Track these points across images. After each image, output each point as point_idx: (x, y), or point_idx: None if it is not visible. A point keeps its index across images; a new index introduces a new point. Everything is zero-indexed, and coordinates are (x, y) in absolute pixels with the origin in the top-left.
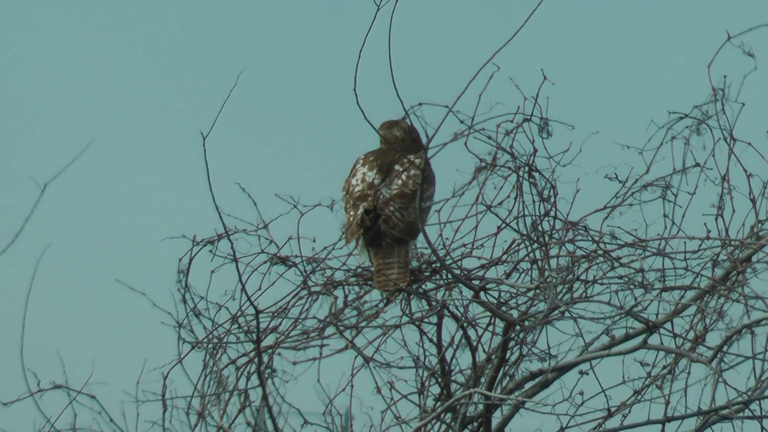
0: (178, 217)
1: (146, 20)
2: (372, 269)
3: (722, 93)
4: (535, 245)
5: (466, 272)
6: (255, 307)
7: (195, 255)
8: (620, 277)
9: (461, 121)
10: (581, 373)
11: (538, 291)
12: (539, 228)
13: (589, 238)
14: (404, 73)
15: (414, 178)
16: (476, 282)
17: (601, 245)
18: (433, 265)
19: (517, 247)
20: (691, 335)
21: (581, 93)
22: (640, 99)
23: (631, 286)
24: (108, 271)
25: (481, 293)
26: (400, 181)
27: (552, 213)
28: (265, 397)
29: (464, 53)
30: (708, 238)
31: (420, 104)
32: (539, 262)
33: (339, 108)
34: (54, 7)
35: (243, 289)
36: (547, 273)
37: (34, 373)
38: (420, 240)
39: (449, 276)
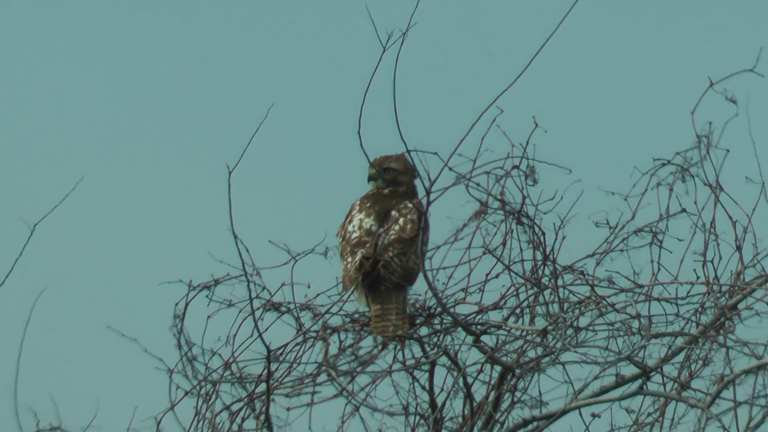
0: (171, 257)
1: (134, 62)
2: (369, 315)
3: (706, 139)
4: (535, 289)
5: (464, 317)
6: (267, 347)
7: (191, 300)
8: (611, 324)
9: (450, 169)
10: (593, 415)
11: (541, 334)
12: (538, 272)
13: (586, 282)
14: (409, 113)
15: (412, 223)
16: (476, 327)
17: (596, 290)
18: (432, 310)
19: (514, 292)
20: (683, 379)
21: (565, 139)
22: (625, 145)
23: (627, 332)
24: (102, 314)
25: (482, 338)
26: (397, 227)
27: (551, 257)
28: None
29: (470, 89)
30: (710, 283)
31: (409, 151)
32: (546, 306)
33: (332, 154)
34: (42, 41)
35: (256, 328)
36: (554, 316)
37: (34, 411)
38: (418, 285)
39: (446, 321)
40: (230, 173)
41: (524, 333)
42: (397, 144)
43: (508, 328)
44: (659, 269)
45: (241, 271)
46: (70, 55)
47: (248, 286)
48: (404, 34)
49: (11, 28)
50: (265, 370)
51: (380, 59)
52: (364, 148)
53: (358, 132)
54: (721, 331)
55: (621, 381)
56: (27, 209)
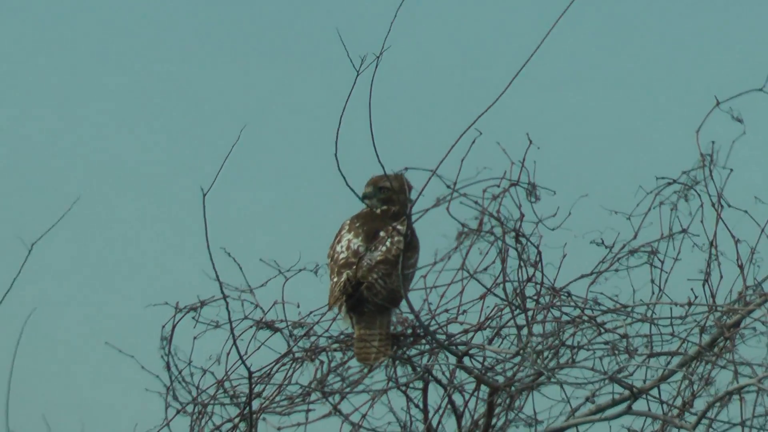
0: (163, 277)
1: (126, 85)
2: (353, 337)
3: (710, 158)
4: (518, 311)
5: (449, 338)
6: (248, 369)
7: (178, 322)
8: (605, 343)
9: (447, 186)
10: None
11: (520, 357)
12: (523, 294)
13: (572, 303)
14: (388, 137)
15: (397, 244)
16: (460, 347)
17: (586, 311)
18: (417, 331)
19: (500, 313)
20: (678, 401)
21: (570, 157)
22: (629, 164)
23: (616, 352)
24: (95, 334)
25: (466, 359)
26: (384, 248)
27: (536, 278)
28: None
29: (448, 115)
30: (691, 304)
31: (406, 168)
32: (522, 328)
33: (323, 171)
34: (38, 63)
35: (236, 348)
36: (527, 338)
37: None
38: (403, 307)
39: (433, 341)
40: (204, 196)
41: (501, 355)
42: (375, 165)
43: (486, 350)
44: (660, 292)
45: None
46: (66, 79)
47: (227, 307)
48: (378, 57)
49: (9, 49)
50: (252, 391)
51: (354, 83)
52: (341, 170)
53: (335, 154)
54: (721, 351)
55: (595, 405)
56: (24, 229)
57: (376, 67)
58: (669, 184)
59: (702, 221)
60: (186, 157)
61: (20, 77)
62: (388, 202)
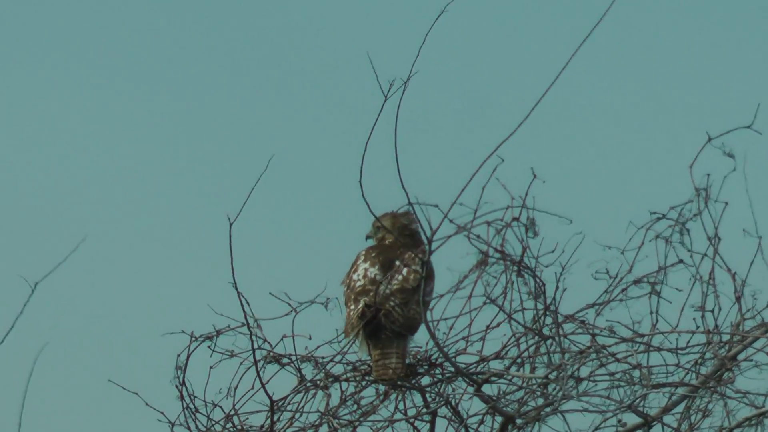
0: (170, 313)
1: (132, 117)
2: (370, 362)
3: (705, 192)
4: (537, 338)
5: (465, 366)
6: (270, 398)
7: (193, 351)
8: (611, 375)
9: (451, 221)
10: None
11: (549, 381)
12: (540, 321)
13: (588, 331)
14: (409, 164)
15: (415, 273)
16: (478, 376)
17: (597, 339)
18: (433, 360)
19: (516, 342)
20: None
21: (563, 192)
22: (623, 199)
23: (629, 382)
24: (103, 370)
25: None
26: (400, 276)
27: (552, 307)
28: None
29: (468, 144)
30: (697, 332)
31: (411, 204)
32: (549, 356)
33: (334, 205)
34: (44, 99)
35: (259, 379)
36: (557, 365)
37: None
38: (419, 335)
39: (448, 371)
40: (231, 225)
41: (526, 382)
42: (399, 193)
43: (509, 377)
44: (658, 320)
45: (243, 322)
46: (69, 112)
47: (250, 336)
48: (405, 83)
49: (13, 83)
50: (268, 420)
51: (382, 108)
52: (365, 198)
53: (360, 181)
54: (721, 383)
55: (623, 429)
56: (28, 268)
57: (403, 92)
58: (659, 219)
59: (691, 255)
60: (200, 187)
61: (24, 111)
62: (384, 241)
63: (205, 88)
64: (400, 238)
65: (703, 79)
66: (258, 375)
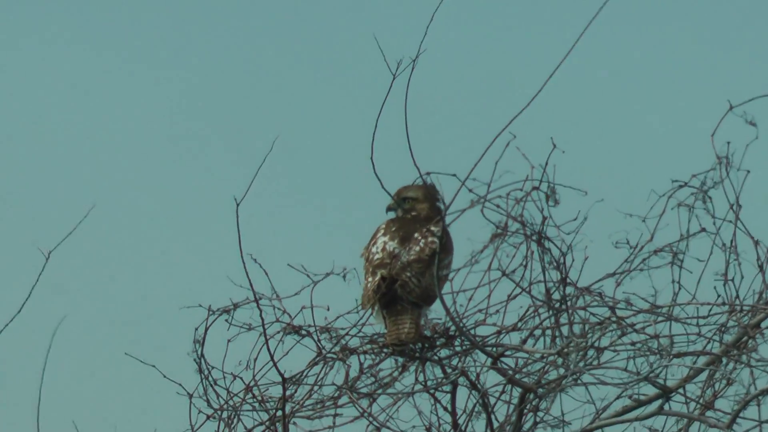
0: (188, 284)
1: (149, 87)
2: (386, 332)
3: (726, 160)
4: (551, 311)
5: (482, 339)
6: (281, 374)
7: (211, 324)
8: (632, 344)
9: (470, 190)
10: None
11: (558, 357)
12: (555, 294)
13: (604, 304)
14: (420, 141)
15: (431, 244)
16: (494, 349)
17: (616, 311)
18: (450, 333)
19: (532, 314)
20: (703, 401)
21: (586, 161)
22: (644, 168)
23: (646, 353)
24: (122, 341)
25: (498, 360)
26: (417, 248)
27: (567, 279)
28: None
29: (480, 121)
30: (723, 303)
31: (429, 173)
32: (559, 329)
33: (350, 175)
34: (56, 69)
35: (269, 354)
36: (568, 338)
37: None
38: (435, 307)
39: (466, 343)
40: (238, 205)
41: (539, 356)
42: (411, 168)
43: (524, 351)
44: (680, 289)
45: (260, 295)
46: (82, 84)
47: (259, 310)
48: (414, 61)
49: (25, 58)
50: (285, 395)
51: (390, 87)
52: (377, 174)
53: (371, 158)
54: (744, 350)
55: (637, 403)
56: (42, 237)
57: (412, 70)
58: (681, 186)
59: (714, 222)
60: (217, 162)
61: (38, 84)
62: (413, 212)
63: (219, 64)
64: (431, 210)
65: (725, 46)
66: (268, 350)
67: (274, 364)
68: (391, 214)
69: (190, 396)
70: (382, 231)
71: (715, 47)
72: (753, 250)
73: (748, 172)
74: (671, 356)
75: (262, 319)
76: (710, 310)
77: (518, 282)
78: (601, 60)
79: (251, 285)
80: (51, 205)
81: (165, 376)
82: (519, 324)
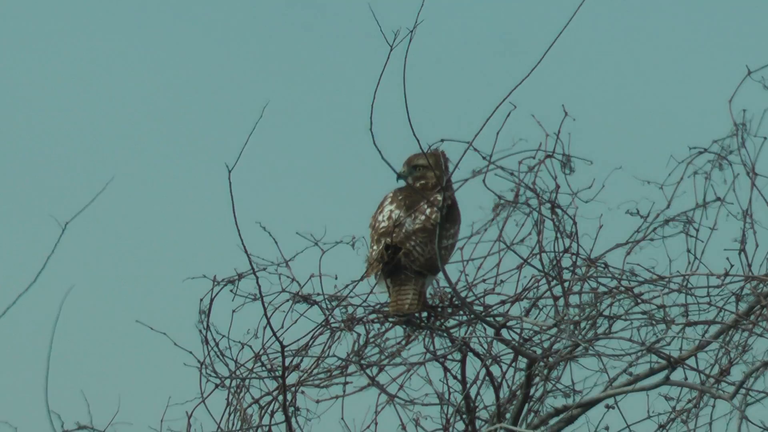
0: (199, 255)
1: (165, 57)
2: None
3: (743, 127)
4: (555, 282)
5: (486, 309)
6: (280, 342)
7: (216, 295)
8: (642, 313)
9: (483, 157)
10: (607, 407)
11: (557, 329)
12: (559, 265)
13: (610, 275)
14: (423, 110)
15: (438, 213)
16: (497, 319)
17: (623, 282)
18: (455, 303)
19: (536, 284)
20: (715, 370)
21: (601, 128)
22: (661, 134)
23: (653, 322)
24: (130, 311)
25: (503, 330)
26: (423, 216)
27: (572, 249)
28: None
29: (482, 89)
30: (728, 275)
31: (442, 140)
32: (559, 300)
33: (359, 145)
34: (73, 44)
35: (268, 323)
36: (564, 311)
37: (58, 414)
38: (440, 277)
39: (471, 314)
40: (230, 172)
41: (538, 327)
42: (411, 139)
43: (523, 323)
44: (694, 259)
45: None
46: (99, 58)
47: (257, 282)
48: (411, 32)
49: (42, 31)
50: (285, 365)
51: (387, 58)
52: (377, 145)
53: (370, 129)
54: (758, 319)
55: (633, 376)
56: (58, 208)
57: (410, 41)
58: (700, 153)
59: (734, 190)
60: (222, 132)
61: (56, 56)
62: (422, 179)
63: (218, 35)
64: (442, 177)
65: (743, 10)
66: (267, 320)
67: (273, 333)
68: (401, 182)
69: (201, 365)
70: (389, 199)
71: (735, 11)
72: None
73: (766, 138)
74: (682, 325)
75: (260, 288)
76: (723, 279)
77: (525, 253)
78: (618, 24)
79: (248, 255)
80: (67, 176)
81: (176, 344)
82: (523, 294)
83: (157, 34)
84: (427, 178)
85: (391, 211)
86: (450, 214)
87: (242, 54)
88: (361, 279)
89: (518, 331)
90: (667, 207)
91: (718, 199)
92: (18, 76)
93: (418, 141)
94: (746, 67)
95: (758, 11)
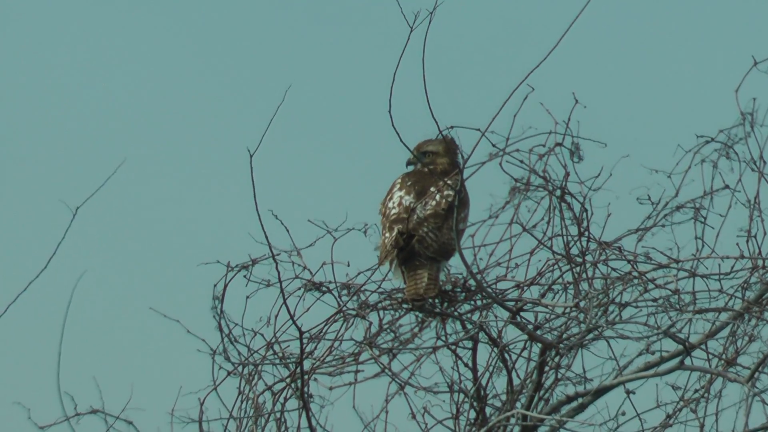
0: (212, 240)
1: (180, 38)
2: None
3: (750, 116)
4: (571, 266)
5: (501, 293)
6: (298, 328)
7: (230, 281)
8: (654, 300)
9: (493, 145)
10: (627, 392)
11: (576, 311)
12: (574, 249)
13: (624, 258)
14: (437, 95)
15: (448, 198)
16: (512, 303)
17: (636, 266)
18: (469, 287)
19: (551, 268)
20: (725, 357)
21: (610, 117)
22: (668, 123)
23: (666, 308)
24: (143, 296)
25: (518, 315)
26: (434, 202)
27: (586, 234)
28: (308, 417)
29: (497, 76)
30: (742, 257)
31: (452, 127)
32: (576, 283)
33: (371, 130)
34: (84, 27)
35: (287, 309)
36: (587, 292)
37: (71, 396)
38: (455, 261)
39: (485, 298)
40: (251, 156)
41: (561, 310)
42: (430, 122)
43: (542, 305)
44: (702, 245)
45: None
46: (111, 39)
47: (276, 266)
48: (431, 13)
49: (53, 19)
50: (303, 351)
51: (408, 39)
52: (395, 127)
53: (389, 111)
54: (766, 306)
55: (660, 359)
56: (68, 193)
57: (429, 23)
58: (707, 142)
59: (740, 179)
60: (236, 117)
61: (67, 41)
62: (430, 166)
63: (237, 21)
64: (450, 164)
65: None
66: (286, 306)
67: (292, 319)
68: (410, 168)
69: (214, 352)
70: (398, 186)
71: (743, 0)
72: None
73: None
74: (692, 312)
75: (279, 275)
76: (733, 265)
77: (537, 236)
78: (627, 14)
79: (267, 240)
80: (78, 161)
81: (189, 332)
82: (538, 278)
83: (173, 13)
84: (436, 165)
85: (401, 197)
86: (461, 197)
87: (260, 38)
88: (377, 267)
89: (533, 316)
90: (675, 195)
91: (726, 186)
92: (27, 60)
93: (436, 123)
94: (752, 57)
95: (765, 1)
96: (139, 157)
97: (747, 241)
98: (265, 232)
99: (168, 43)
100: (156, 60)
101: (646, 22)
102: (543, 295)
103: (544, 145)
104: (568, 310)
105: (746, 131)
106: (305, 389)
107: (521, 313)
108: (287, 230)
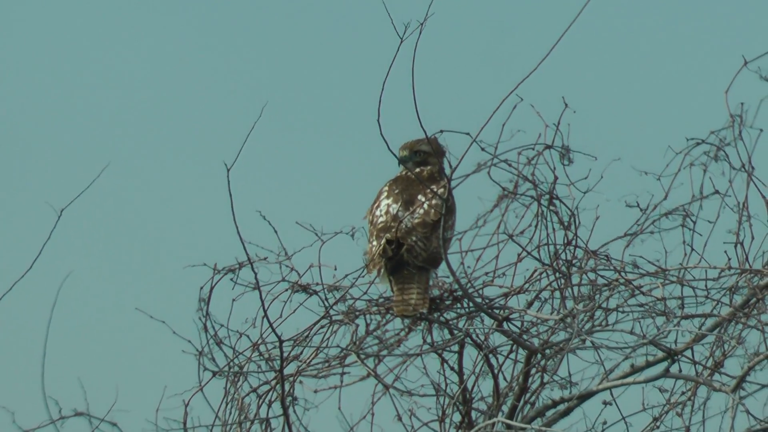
0: (197, 242)
1: (167, 46)
2: (393, 297)
3: (740, 119)
4: (557, 274)
5: (488, 301)
6: (278, 336)
7: (216, 283)
8: (641, 305)
9: (482, 149)
10: (605, 403)
11: (562, 322)
12: (561, 257)
13: (611, 267)
14: (426, 103)
15: (436, 207)
16: (499, 311)
17: (623, 274)
18: (455, 294)
19: (539, 276)
20: (711, 363)
21: (599, 120)
22: (658, 125)
23: (652, 315)
24: (128, 298)
25: (505, 322)
26: (422, 211)
27: (574, 241)
28: (288, 424)
29: (487, 83)
30: (729, 267)
31: (441, 131)
32: (561, 291)
33: (360, 135)
34: (65, 30)
35: (265, 316)
36: (571, 305)
37: (55, 400)
38: (442, 269)
39: (471, 305)
40: (228, 171)
41: (542, 320)
42: (418, 131)
43: (529, 316)
44: (691, 251)
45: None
46: (96, 43)
47: (253, 271)
48: (422, 24)
49: (41, 20)
50: (286, 355)
51: (398, 50)
52: (383, 136)
53: (378, 120)
54: (753, 312)
55: (631, 368)
56: (54, 195)
57: (420, 34)
58: (698, 144)
59: (730, 182)
60: (223, 119)
61: (52, 44)
62: (423, 165)
63: (232, 26)
64: (439, 166)
65: (740, 1)
66: (264, 311)
67: (271, 326)
68: (401, 168)
69: (200, 353)
70: (385, 193)
71: (732, 1)
72: (765, 211)
73: (762, 130)
74: (679, 318)
75: (257, 279)
76: (720, 272)
77: (524, 245)
78: (615, 16)
79: (244, 246)
80: (63, 163)
81: (174, 332)
82: (525, 286)
83: (157, 19)
84: (429, 164)
85: (388, 205)
86: (448, 205)
87: (244, 43)
88: (362, 275)
89: (519, 323)
90: (664, 198)
91: (716, 192)
92: (13, 62)
93: (424, 131)
94: (743, 57)
95: (754, 1)
96: (125, 158)
97: (735, 246)
98: (241, 239)
99: (150, 46)
100: (141, 62)
101: (636, 24)
102: (531, 304)
103: (533, 148)
104: (553, 323)
105: (735, 134)
106: (291, 391)
107: (509, 321)
108: (275, 231)
